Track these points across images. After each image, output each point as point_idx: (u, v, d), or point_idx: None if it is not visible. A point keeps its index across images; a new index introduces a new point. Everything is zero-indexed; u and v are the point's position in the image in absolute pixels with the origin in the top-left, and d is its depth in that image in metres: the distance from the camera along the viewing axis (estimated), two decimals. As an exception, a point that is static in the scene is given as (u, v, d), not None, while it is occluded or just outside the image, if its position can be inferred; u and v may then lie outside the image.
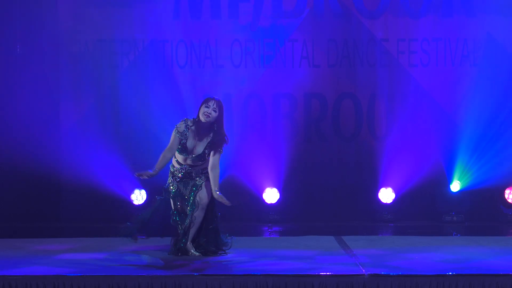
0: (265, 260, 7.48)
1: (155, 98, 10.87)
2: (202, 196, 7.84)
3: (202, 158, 7.83)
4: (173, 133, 7.86)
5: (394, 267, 6.93)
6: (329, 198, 10.96)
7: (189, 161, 7.86)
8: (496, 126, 10.78)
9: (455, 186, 10.86)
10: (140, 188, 10.90)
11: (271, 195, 10.86)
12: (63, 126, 10.94)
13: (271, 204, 10.87)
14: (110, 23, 10.88)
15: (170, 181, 7.97)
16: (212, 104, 7.74)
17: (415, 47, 10.92)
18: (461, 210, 10.83)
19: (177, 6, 10.93)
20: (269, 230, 10.34)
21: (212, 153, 7.79)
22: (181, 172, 7.89)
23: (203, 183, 7.86)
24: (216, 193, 7.73)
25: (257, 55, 10.95)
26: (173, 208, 7.90)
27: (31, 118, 10.80)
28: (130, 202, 10.89)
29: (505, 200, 10.81)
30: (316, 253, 7.89)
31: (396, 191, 10.89)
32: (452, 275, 6.56)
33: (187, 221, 7.78)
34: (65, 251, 8.07)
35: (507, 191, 10.83)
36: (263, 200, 10.87)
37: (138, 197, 10.91)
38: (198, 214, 7.83)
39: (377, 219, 10.87)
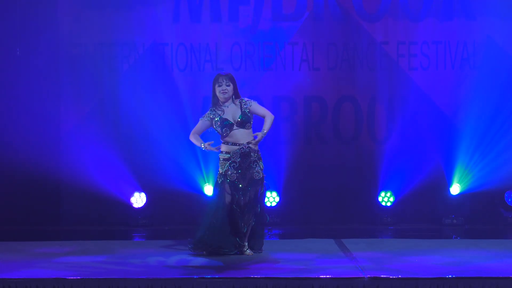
0: (265, 263, 7.48)
1: (155, 102, 10.88)
2: (258, 192, 7.95)
3: (246, 117, 7.87)
4: (200, 120, 8.03)
5: (394, 270, 6.93)
6: (329, 201, 10.96)
7: (237, 132, 7.83)
8: (496, 129, 10.78)
9: (455, 189, 10.86)
10: (140, 191, 10.90)
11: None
12: (63, 129, 10.94)
13: (271, 207, 10.87)
14: (110, 27, 10.89)
15: (226, 169, 7.87)
16: (223, 80, 7.91)
17: (415, 50, 10.93)
18: (461, 213, 10.84)
19: (177, 9, 10.94)
20: (269, 233, 10.33)
21: (248, 110, 7.91)
22: (239, 154, 7.85)
23: (261, 177, 7.94)
24: (262, 132, 7.89)
25: (257, 58, 10.96)
26: (230, 197, 7.86)
27: (31, 121, 10.80)
28: (130, 205, 10.89)
29: (505, 203, 10.81)
30: (316, 256, 7.89)
31: (396, 194, 10.89)
32: (452, 278, 6.55)
33: (248, 219, 7.84)
34: (65, 254, 8.06)
35: (506, 194, 10.83)
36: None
37: (138, 200, 10.91)
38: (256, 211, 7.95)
39: (377, 222, 10.87)
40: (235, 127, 7.88)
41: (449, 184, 10.88)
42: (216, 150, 7.92)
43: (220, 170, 7.94)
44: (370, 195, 10.93)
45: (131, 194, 10.90)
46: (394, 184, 10.89)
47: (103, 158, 10.83)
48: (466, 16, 10.85)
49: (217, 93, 7.94)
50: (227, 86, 7.91)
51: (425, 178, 10.84)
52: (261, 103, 10.89)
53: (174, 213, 10.88)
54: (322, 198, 10.97)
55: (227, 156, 7.90)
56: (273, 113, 7.96)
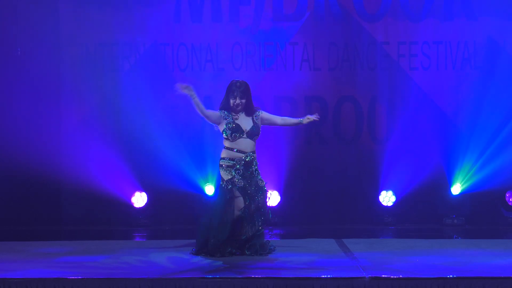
0: (266, 262, 7.48)
1: (156, 102, 10.88)
2: (265, 199, 8.00)
3: (256, 129, 7.92)
4: (217, 112, 7.96)
5: (395, 270, 6.93)
6: (329, 201, 10.96)
7: (244, 141, 7.85)
8: (497, 128, 10.78)
9: (456, 189, 10.86)
10: (141, 191, 10.90)
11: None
12: (64, 129, 10.95)
13: (272, 207, 10.87)
14: (111, 27, 10.89)
15: (233, 175, 7.87)
16: (237, 94, 7.86)
17: (415, 50, 10.92)
18: (462, 213, 10.84)
19: (178, 9, 10.94)
20: (270, 233, 10.33)
21: (261, 119, 7.97)
22: (243, 162, 7.86)
23: (264, 185, 7.97)
24: (305, 119, 8.04)
25: (258, 58, 10.96)
26: (242, 202, 7.85)
27: (32, 122, 10.81)
28: (131, 205, 10.89)
29: (506, 203, 10.81)
30: (317, 256, 7.89)
31: (397, 194, 10.89)
32: (452, 278, 6.55)
33: (256, 226, 7.89)
34: (65, 253, 8.07)
35: (507, 194, 10.82)
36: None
37: (139, 200, 10.91)
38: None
39: (378, 222, 10.87)
40: (244, 135, 7.88)
41: (450, 184, 10.88)
42: (187, 92, 7.79)
43: (225, 177, 7.90)
44: (370, 195, 10.93)
45: (132, 194, 10.91)
46: (395, 184, 10.89)
47: (104, 158, 10.84)
48: (467, 16, 10.85)
49: (230, 104, 7.90)
50: (241, 100, 7.87)
51: (426, 178, 10.84)
52: (261, 103, 10.96)
53: (175, 213, 10.88)
54: (322, 198, 10.97)
55: (231, 162, 7.90)
56: (273, 113, 8.02)
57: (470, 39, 10.87)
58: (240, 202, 7.87)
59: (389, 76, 10.96)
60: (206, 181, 10.83)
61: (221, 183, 7.97)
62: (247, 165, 7.90)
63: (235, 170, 7.88)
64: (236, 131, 7.86)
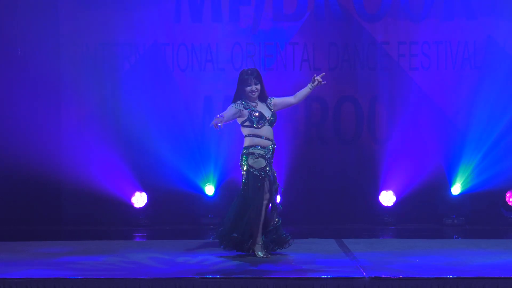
0: (266, 263, 7.48)
1: (156, 102, 10.88)
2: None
3: (275, 118, 7.94)
4: (233, 106, 7.82)
5: (395, 270, 6.93)
6: (329, 201, 10.96)
7: (267, 129, 7.80)
8: (497, 129, 10.78)
9: (456, 189, 10.86)
10: (141, 191, 10.90)
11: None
12: (64, 129, 10.95)
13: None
14: (111, 27, 10.89)
15: (265, 165, 7.72)
16: (251, 81, 7.86)
17: (415, 50, 10.93)
18: (462, 213, 10.84)
19: (178, 9, 10.94)
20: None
21: (274, 105, 8.00)
22: (271, 151, 7.83)
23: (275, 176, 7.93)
24: (313, 84, 8.04)
25: (258, 58, 10.96)
26: (267, 191, 7.77)
27: (32, 122, 10.81)
28: (131, 205, 10.89)
29: (506, 203, 10.81)
30: (317, 256, 7.89)
31: (397, 194, 10.89)
32: (452, 278, 6.55)
33: (275, 220, 7.85)
34: (65, 254, 8.07)
35: (507, 194, 10.82)
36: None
37: (139, 200, 10.91)
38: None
39: (378, 222, 10.87)
40: (267, 123, 7.86)
41: (450, 184, 10.88)
42: (215, 127, 7.50)
43: (256, 165, 7.70)
44: (371, 195, 10.93)
45: (132, 194, 10.91)
46: (395, 184, 10.89)
47: (104, 158, 10.84)
48: (467, 16, 10.85)
49: (247, 93, 7.86)
50: (255, 85, 7.86)
51: (426, 178, 10.84)
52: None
53: (175, 213, 10.89)
54: (322, 198, 10.98)
55: (262, 151, 7.77)
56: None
57: (470, 39, 10.87)
58: (267, 195, 7.80)
59: (389, 76, 10.96)
60: (206, 181, 10.83)
61: (250, 170, 7.69)
62: (273, 154, 7.88)
63: (267, 159, 7.78)
64: (261, 118, 7.82)
